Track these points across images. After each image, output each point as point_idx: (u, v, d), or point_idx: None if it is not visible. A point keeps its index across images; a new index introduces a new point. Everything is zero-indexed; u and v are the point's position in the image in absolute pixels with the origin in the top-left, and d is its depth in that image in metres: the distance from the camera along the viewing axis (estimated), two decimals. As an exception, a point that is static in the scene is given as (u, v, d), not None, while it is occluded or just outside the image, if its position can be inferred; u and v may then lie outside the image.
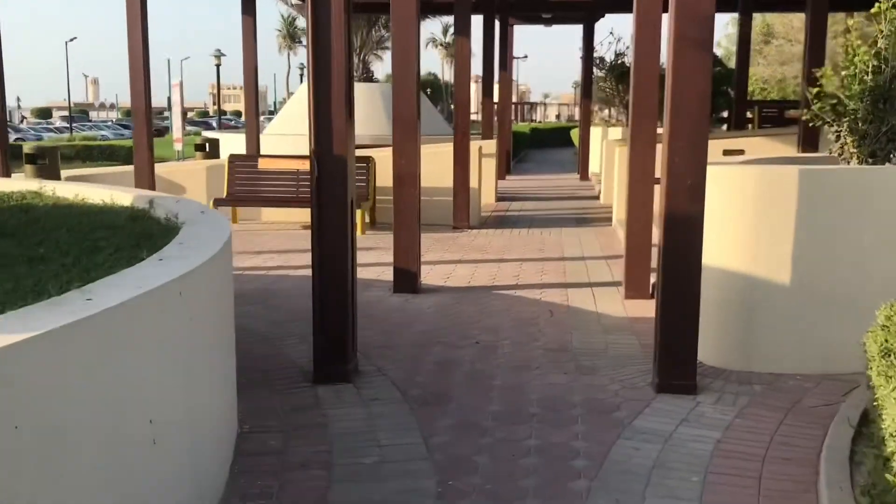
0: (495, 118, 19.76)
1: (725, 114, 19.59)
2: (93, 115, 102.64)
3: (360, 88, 24.90)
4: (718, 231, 4.85)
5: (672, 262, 4.50)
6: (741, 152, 10.97)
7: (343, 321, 4.73)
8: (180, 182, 12.06)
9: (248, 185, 11.22)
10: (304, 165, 10.80)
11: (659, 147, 7.79)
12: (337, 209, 4.61)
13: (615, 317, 6.28)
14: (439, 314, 6.34)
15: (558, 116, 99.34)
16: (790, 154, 11.41)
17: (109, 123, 68.94)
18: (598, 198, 15.09)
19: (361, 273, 8.19)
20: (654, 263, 7.00)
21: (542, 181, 19.11)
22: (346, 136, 4.56)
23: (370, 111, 21.85)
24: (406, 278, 7.02)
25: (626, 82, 19.89)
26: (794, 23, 34.38)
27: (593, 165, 19.26)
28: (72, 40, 55.18)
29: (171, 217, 4.60)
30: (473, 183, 11.40)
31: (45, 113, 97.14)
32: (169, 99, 79.49)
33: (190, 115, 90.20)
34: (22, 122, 72.50)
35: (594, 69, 19.60)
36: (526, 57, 75.45)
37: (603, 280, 7.70)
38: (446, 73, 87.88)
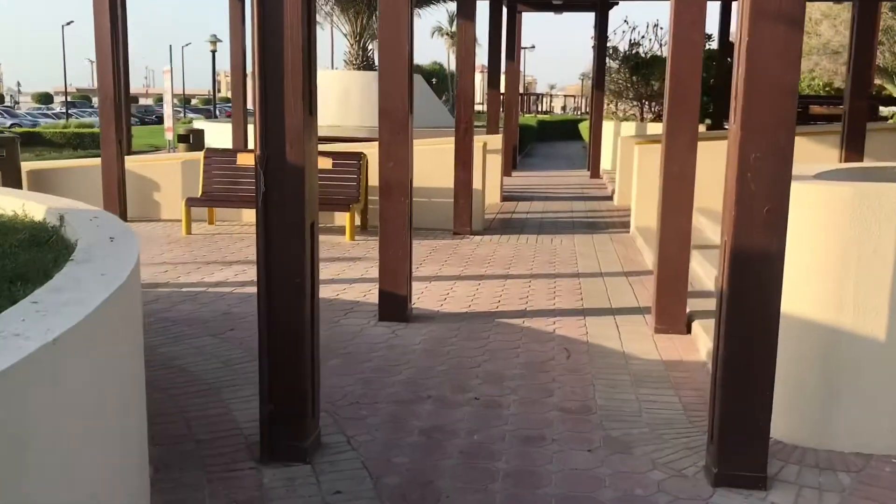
0: (501, 111, 18.58)
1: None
2: (95, 101, 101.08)
3: (357, 76, 23.66)
4: (793, 268, 3.69)
5: (739, 311, 3.36)
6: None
7: (299, 387, 3.58)
8: (154, 178, 10.93)
9: (225, 183, 10.07)
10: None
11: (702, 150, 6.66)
12: (289, 237, 3.46)
13: (646, 360, 5.13)
14: (431, 353, 5.20)
15: (564, 108, 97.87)
16: (831, 159, 10.22)
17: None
18: (611, 198, 13.92)
19: (343, 292, 6.95)
20: (688, 287, 5.94)
21: (551, 178, 17.93)
22: (303, 138, 3.41)
23: (367, 101, 20.67)
24: (393, 304, 5.88)
25: (641, 74, 18.74)
26: (811, 13, 33.05)
27: (604, 162, 18.09)
28: (69, 24, 53.94)
29: (72, 243, 3.49)
30: (477, 183, 10.24)
31: (46, 98, 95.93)
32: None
33: (193, 102, 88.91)
34: (16, 106, 71.28)
35: (607, 59, 18.39)
36: (533, 47, 74.02)
37: (626, 305, 6.55)
38: (452, 63, 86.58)
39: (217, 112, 48.14)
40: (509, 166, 17.79)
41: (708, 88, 17.35)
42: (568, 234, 10.25)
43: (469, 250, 8.95)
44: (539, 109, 59.81)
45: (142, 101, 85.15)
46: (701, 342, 5.35)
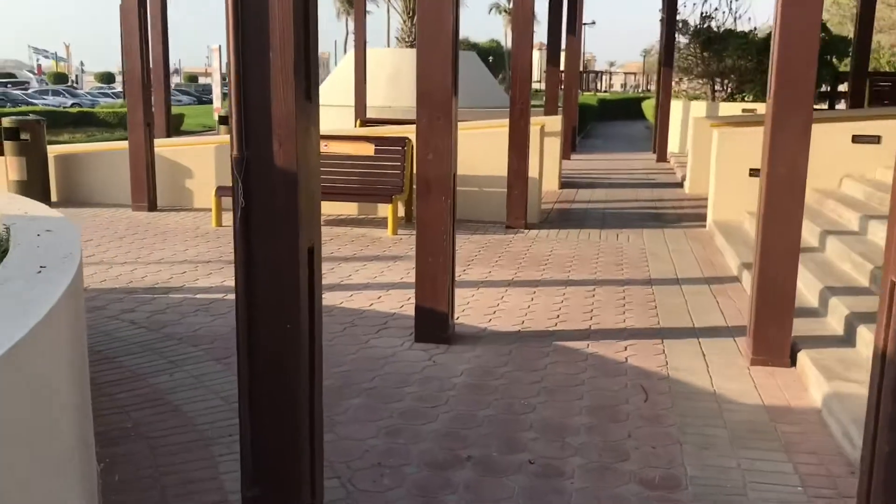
0: (560, 89, 17.47)
1: (826, 88, 16.89)
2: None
3: (408, 54, 22.66)
4: None
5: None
6: (877, 139, 8.59)
7: (292, 467, 2.68)
8: (186, 163, 10.18)
9: (259, 170, 9.25)
10: (333, 147, 8.79)
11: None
12: (279, 268, 2.55)
13: (744, 405, 4.11)
14: (475, 390, 4.26)
15: (624, 86, 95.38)
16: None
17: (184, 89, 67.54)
18: (681, 185, 12.74)
19: (379, 301, 5.94)
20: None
21: (613, 161, 16.76)
22: (296, 132, 2.48)
23: (409, 81, 19.72)
24: (432, 322, 4.96)
25: (712, 49, 17.37)
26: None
27: (672, 144, 16.85)
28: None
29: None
30: (533, 170, 9.22)
31: (108, 78, 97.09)
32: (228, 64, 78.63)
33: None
34: (73, 84, 72.06)
35: (676, 34, 17.06)
36: (594, 23, 71.93)
37: (711, 324, 5.50)
38: (509, 41, 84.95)
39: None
40: (569, 149, 16.69)
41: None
42: (635, 228, 9.17)
43: (523, 248, 7.96)
44: (598, 88, 58.16)
45: (201, 80, 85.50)
46: (812, 381, 4.30)
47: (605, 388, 4.29)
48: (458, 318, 5.45)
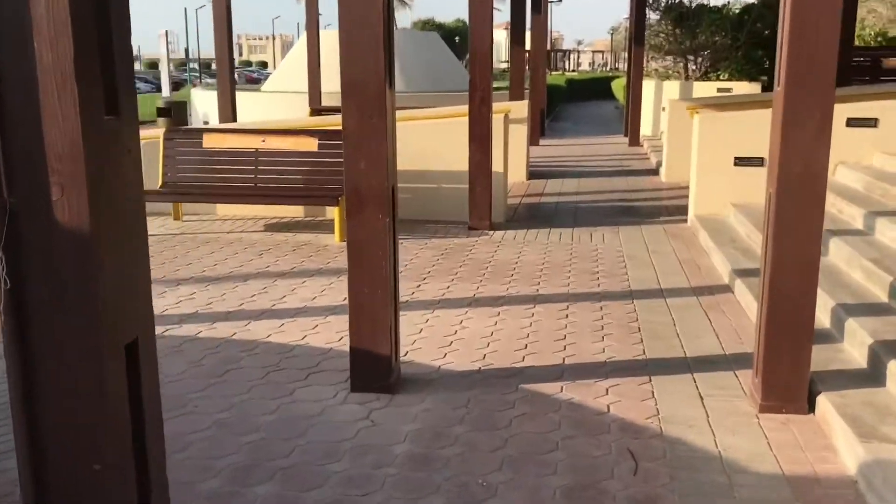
0: (527, 70, 16.57)
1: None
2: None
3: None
4: None
5: None
6: (873, 122, 7.81)
7: None
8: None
9: (190, 171, 8.24)
10: (271, 142, 7.83)
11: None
12: (74, 372, 1.62)
13: (761, 477, 3.25)
14: (421, 465, 3.36)
15: (592, 65, 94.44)
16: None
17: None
18: (657, 172, 11.91)
19: (314, 332, 4.96)
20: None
21: (583, 146, 15.91)
22: (85, 169, 1.55)
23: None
24: (371, 368, 4.05)
25: (685, 26, 16.54)
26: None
27: (644, 127, 16.02)
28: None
29: None
30: (498, 163, 8.33)
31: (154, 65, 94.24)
32: (186, 50, 76.13)
33: (214, 66, 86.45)
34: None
35: (647, 10, 16.20)
36: (560, 1, 70.96)
37: (706, 352, 4.65)
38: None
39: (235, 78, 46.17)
40: (537, 135, 15.82)
41: (763, 39, 15.20)
42: (610, 225, 8.31)
43: (487, 254, 7.07)
44: (566, 67, 57.35)
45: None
46: (840, 438, 3.46)
47: (584, 455, 3.41)
48: (406, 353, 4.55)
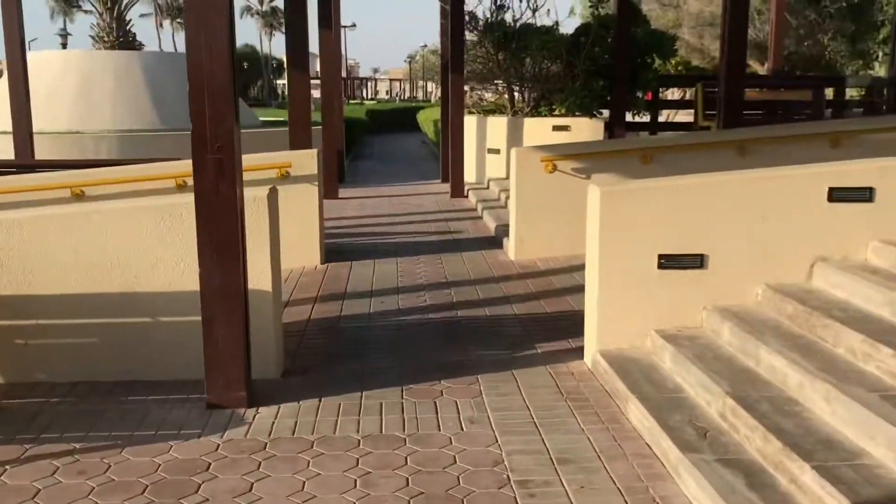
0: (312, 104, 12.99)
1: (651, 97, 13.71)
2: None
3: (107, 58, 17.01)
4: None
5: None
6: (867, 194, 4.91)
7: None
8: None
9: None
10: None
11: None
12: None
13: None
14: None
15: (389, 93, 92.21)
16: None
17: None
18: (499, 244, 8.66)
19: None
20: None
21: (395, 199, 12.50)
22: None
23: (124, 92, 14.43)
24: None
25: (510, 49, 13.66)
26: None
27: (467, 172, 12.90)
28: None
29: None
30: (259, 275, 4.67)
31: None
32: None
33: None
34: None
35: (465, 31, 13.13)
36: (354, 25, 68.24)
37: None
38: (265, 46, 79.21)
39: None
40: (334, 184, 12.25)
41: (603, 67, 12.55)
42: (459, 375, 4.86)
43: (225, 494, 3.39)
44: (364, 95, 54.45)
45: None
46: None
47: None
48: None
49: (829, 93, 14.89)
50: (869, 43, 25.73)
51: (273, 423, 4.18)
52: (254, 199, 4.63)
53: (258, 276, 4.63)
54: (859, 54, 26.56)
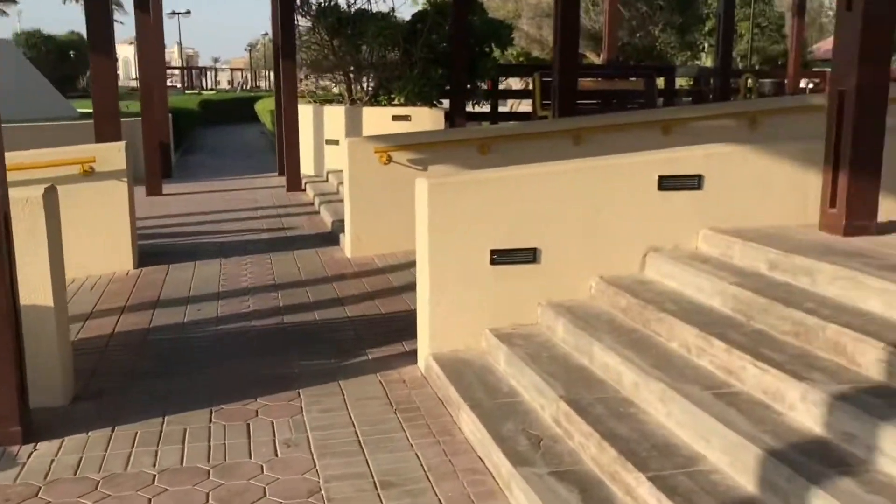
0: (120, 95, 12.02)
1: (486, 86, 13.57)
2: None
3: None
4: None
5: None
6: (696, 181, 4.83)
7: None
8: None
9: None
10: None
11: None
12: None
13: None
14: None
15: (231, 83, 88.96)
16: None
17: None
18: (336, 241, 8.20)
19: None
20: None
21: (226, 193, 11.74)
22: None
23: None
24: None
25: (345, 36, 13.18)
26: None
27: (304, 163, 12.34)
28: None
29: None
30: (38, 291, 4.02)
31: None
32: None
33: None
34: None
35: (296, 17, 12.52)
36: (189, 12, 65.26)
37: None
38: (94, 33, 74.30)
39: None
40: (157, 181, 11.35)
41: (442, 55, 12.31)
42: (281, 392, 4.40)
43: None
44: (203, 86, 52.31)
45: None
46: None
47: None
48: None
49: (660, 82, 15.35)
50: (696, 34, 27.02)
51: (52, 461, 3.57)
52: (25, 201, 3.96)
53: (34, 291, 3.98)
54: (688, 45, 27.84)
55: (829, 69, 5.96)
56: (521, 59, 24.41)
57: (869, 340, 3.15)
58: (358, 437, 3.80)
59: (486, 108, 13.64)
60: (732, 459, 2.94)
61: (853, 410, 2.83)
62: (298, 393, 4.32)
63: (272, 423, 3.96)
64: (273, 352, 5.02)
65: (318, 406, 4.15)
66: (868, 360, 3.13)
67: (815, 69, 20.41)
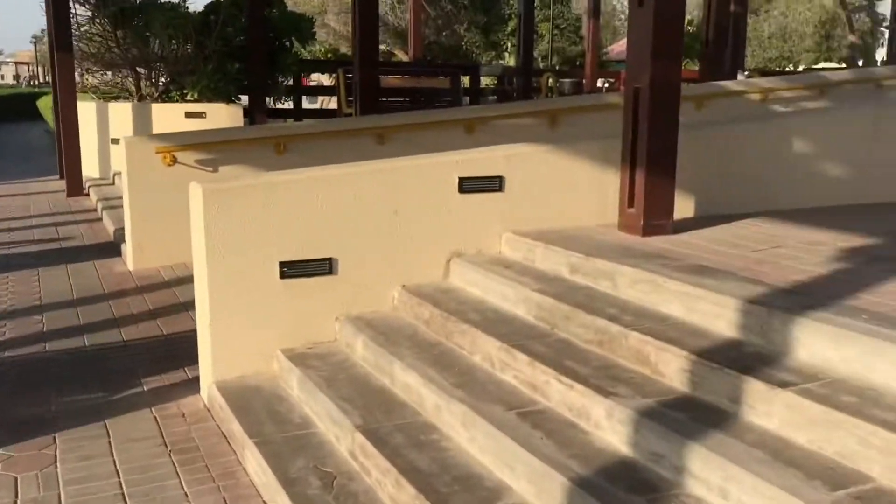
0: None
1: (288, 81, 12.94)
2: None
3: None
4: None
5: None
6: (496, 184, 4.64)
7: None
8: None
9: None
10: None
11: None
12: None
13: None
14: None
15: (17, 78, 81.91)
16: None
17: None
18: (118, 250, 7.40)
19: None
20: None
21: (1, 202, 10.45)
22: None
23: None
24: None
25: (130, 27, 12.14)
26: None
27: (89, 166, 11.25)
28: None
29: None
30: None
31: None
32: None
33: None
34: None
35: (72, 5, 11.36)
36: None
37: None
38: None
39: None
40: None
41: (238, 49, 11.62)
42: (33, 439, 3.75)
43: None
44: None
45: None
46: None
47: None
48: None
49: (466, 81, 15.38)
50: (499, 34, 27.65)
51: None
52: None
53: None
54: (492, 45, 28.46)
55: (624, 68, 5.98)
56: (328, 54, 23.87)
57: (671, 349, 3.02)
58: (122, 488, 3.25)
59: (291, 105, 13.04)
60: (538, 490, 2.69)
61: (659, 429, 2.66)
62: (54, 438, 3.69)
63: (16, 479, 3.32)
64: (29, 388, 4.31)
65: (77, 453, 3.54)
66: (672, 370, 2.99)
67: (610, 69, 21.38)
